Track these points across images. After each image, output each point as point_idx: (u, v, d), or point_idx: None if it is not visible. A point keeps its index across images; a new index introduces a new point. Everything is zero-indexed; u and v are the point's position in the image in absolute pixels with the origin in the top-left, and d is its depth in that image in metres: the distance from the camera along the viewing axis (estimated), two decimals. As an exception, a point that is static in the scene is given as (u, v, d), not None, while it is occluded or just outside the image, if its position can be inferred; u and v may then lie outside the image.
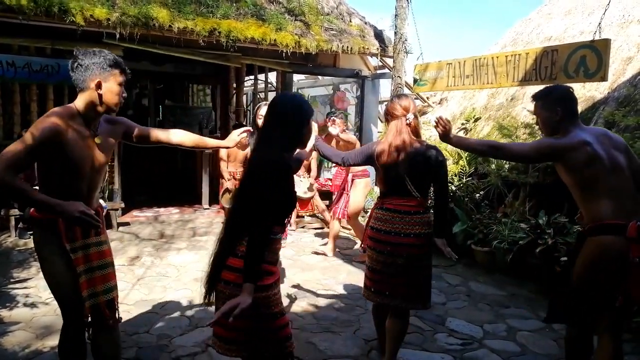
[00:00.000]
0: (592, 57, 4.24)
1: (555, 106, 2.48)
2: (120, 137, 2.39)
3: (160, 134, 2.50)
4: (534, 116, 2.67)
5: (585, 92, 5.74)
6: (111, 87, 2.13)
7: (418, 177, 2.72)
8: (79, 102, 2.14)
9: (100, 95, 2.12)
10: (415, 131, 2.79)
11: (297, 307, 3.91)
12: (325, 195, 7.02)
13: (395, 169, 2.72)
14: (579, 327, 2.49)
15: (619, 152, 2.42)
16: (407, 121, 2.75)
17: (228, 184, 6.36)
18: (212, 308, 3.90)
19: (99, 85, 2.10)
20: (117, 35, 5.66)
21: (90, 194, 2.22)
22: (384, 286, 2.76)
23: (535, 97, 2.60)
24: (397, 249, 2.70)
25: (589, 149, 2.35)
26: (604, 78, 4.24)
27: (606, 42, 4.21)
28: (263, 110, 3.88)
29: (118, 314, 2.30)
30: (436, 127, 2.80)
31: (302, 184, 5.40)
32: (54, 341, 3.04)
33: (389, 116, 2.84)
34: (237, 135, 2.58)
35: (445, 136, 2.77)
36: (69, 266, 2.14)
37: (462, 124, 7.09)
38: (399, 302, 2.73)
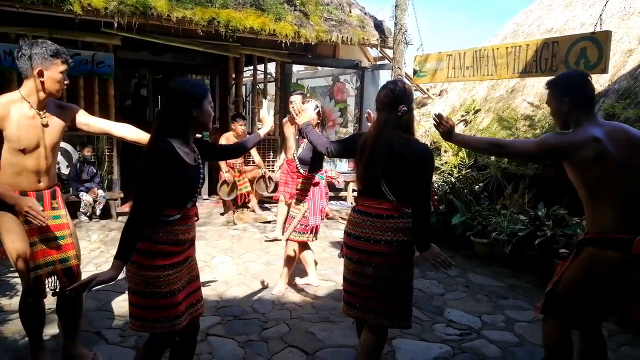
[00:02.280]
0: (592, 49, 4.23)
1: (562, 96, 2.26)
2: (69, 121, 2.60)
3: (105, 125, 2.71)
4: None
5: (586, 84, 5.72)
6: (52, 75, 2.36)
7: (396, 178, 2.33)
8: (24, 88, 2.39)
9: (42, 82, 2.35)
10: (407, 126, 2.38)
11: (296, 297, 3.92)
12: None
13: (372, 167, 2.35)
14: (558, 321, 2.34)
15: (636, 151, 2.15)
16: (398, 113, 2.35)
17: (226, 175, 6.36)
18: (211, 298, 3.93)
19: (40, 73, 2.33)
20: (115, 25, 5.63)
21: (44, 172, 2.48)
22: (355, 299, 2.44)
23: (547, 84, 2.38)
24: (365, 257, 2.36)
25: (598, 146, 2.12)
26: (604, 70, 4.24)
27: (607, 34, 4.21)
28: (294, 98, 3.94)
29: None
30: (437, 126, 2.60)
31: None
32: (53, 329, 3.06)
33: (379, 105, 2.44)
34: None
35: (448, 135, 2.57)
36: (22, 234, 2.42)
37: (462, 115, 7.07)
38: (371, 317, 2.40)
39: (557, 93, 2.30)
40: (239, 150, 2.74)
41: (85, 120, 2.65)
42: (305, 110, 3.00)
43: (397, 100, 2.35)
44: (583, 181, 2.21)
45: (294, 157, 3.93)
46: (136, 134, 2.68)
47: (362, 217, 2.40)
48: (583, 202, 2.27)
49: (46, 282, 2.57)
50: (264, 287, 4.05)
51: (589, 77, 2.30)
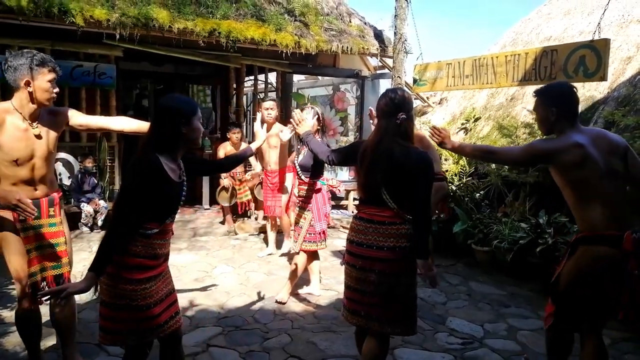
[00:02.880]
0: (591, 57, 4.24)
1: (551, 105, 2.39)
2: (64, 126, 2.61)
3: (102, 122, 2.75)
4: (534, 113, 2.63)
5: (585, 92, 5.74)
6: (40, 85, 2.36)
7: (397, 185, 2.34)
8: (15, 100, 2.39)
9: (30, 93, 2.35)
10: (406, 134, 2.40)
11: (297, 307, 3.91)
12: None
13: (372, 175, 2.37)
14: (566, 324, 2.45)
15: (616, 155, 2.32)
16: (397, 121, 2.37)
17: (224, 181, 6.37)
18: (212, 308, 3.92)
19: (27, 84, 2.33)
20: (117, 36, 5.67)
21: (37, 181, 2.48)
22: (359, 306, 2.42)
23: (535, 93, 2.53)
24: (369, 264, 2.36)
25: (581, 152, 2.27)
26: (603, 78, 4.25)
27: (606, 42, 4.22)
28: (268, 104, 4.28)
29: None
30: (432, 137, 2.78)
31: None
32: (54, 341, 3.05)
33: (379, 112, 2.47)
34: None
35: (443, 144, 2.74)
36: (18, 242, 2.45)
37: (462, 124, 7.09)
38: (375, 324, 2.38)
39: (546, 102, 2.43)
40: (229, 164, 2.74)
41: (81, 120, 2.65)
42: (305, 120, 3.02)
43: (396, 108, 2.38)
44: (569, 183, 2.35)
45: (294, 164, 3.95)
46: (135, 125, 2.68)
47: (365, 224, 2.41)
48: (570, 203, 2.41)
49: (40, 287, 2.56)
50: (260, 298, 4.05)
51: (575, 89, 2.43)
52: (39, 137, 2.43)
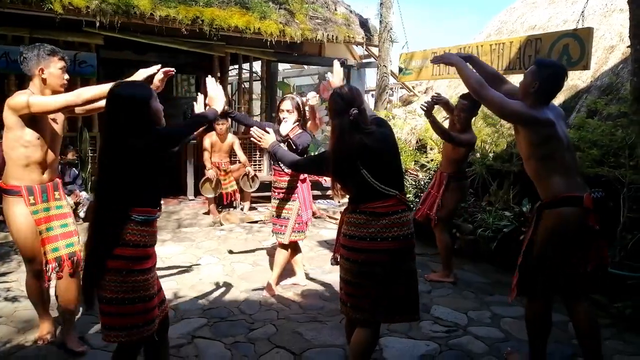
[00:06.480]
0: (575, 45, 4.26)
1: (536, 79, 2.59)
2: (67, 111, 2.82)
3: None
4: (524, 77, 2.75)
5: (568, 81, 5.72)
6: (52, 72, 2.66)
7: (379, 171, 2.34)
8: (31, 87, 2.66)
9: (44, 79, 2.64)
10: (362, 124, 2.36)
11: (283, 298, 3.90)
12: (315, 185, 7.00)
13: (351, 172, 2.34)
14: (541, 297, 2.66)
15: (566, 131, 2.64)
16: (350, 117, 2.32)
17: (208, 172, 6.32)
18: (197, 300, 3.89)
19: (42, 71, 2.63)
20: (97, 24, 5.55)
21: (48, 165, 2.74)
22: (363, 301, 2.36)
23: (536, 61, 2.75)
24: (373, 257, 2.31)
25: (552, 129, 2.54)
26: (586, 67, 4.27)
27: (589, 31, 4.24)
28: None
29: (81, 267, 2.80)
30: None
31: None
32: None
33: (331, 113, 2.43)
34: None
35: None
36: (31, 224, 2.68)
37: (448, 113, 7.09)
38: (381, 316, 2.36)
39: (535, 74, 2.60)
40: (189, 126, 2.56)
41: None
42: (264, 134, 2.92)
43: (347, 105, 2.36)
44: (536, 154, 2.58)
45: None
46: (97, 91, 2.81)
47: (367, 217, 2.34)
48: (534, 175, 2.63)
49: (52, 266, 2.76)
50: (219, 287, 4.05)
51: (565, 74, 2.63)
52: (54, 120, 2.74)
